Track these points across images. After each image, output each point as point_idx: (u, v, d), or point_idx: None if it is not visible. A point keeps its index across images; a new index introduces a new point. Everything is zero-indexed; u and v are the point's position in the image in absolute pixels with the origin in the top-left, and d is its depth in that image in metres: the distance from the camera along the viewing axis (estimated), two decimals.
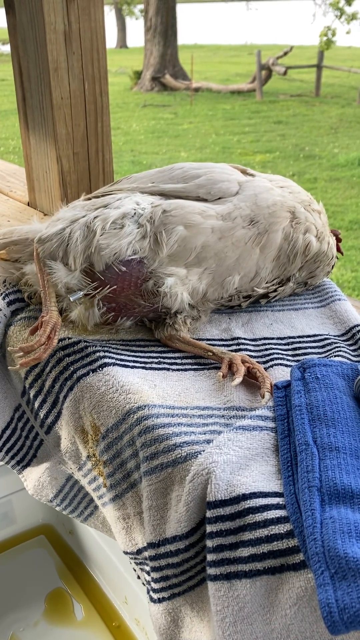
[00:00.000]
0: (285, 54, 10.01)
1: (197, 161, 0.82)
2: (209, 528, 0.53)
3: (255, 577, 0.50)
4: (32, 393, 0.75)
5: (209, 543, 0.53)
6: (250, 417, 0.58)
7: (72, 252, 0.70)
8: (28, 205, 1.20)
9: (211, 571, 0.53)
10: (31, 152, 1.13)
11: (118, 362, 0.68)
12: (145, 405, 0.61)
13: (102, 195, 0.77)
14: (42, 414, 0.75)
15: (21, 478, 0.89)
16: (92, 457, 0.71)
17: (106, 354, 0.69)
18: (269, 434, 0.57)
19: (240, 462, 0.54)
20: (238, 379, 0.62)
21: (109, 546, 1.01)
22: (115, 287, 0.70)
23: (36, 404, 0.75)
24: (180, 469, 0.57)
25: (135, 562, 0.72)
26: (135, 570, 0.77)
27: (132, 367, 0.68)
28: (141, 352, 0.71)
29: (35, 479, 0.87)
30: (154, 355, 0.71)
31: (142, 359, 0.70)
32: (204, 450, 0.56)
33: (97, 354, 0.69)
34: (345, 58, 13.79)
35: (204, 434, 0.58)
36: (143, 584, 0.76)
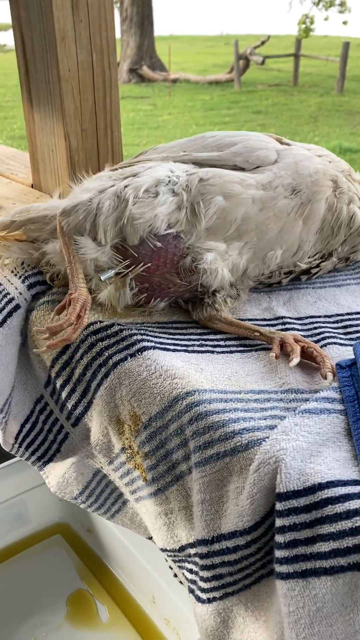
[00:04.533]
0: (263, 43, 9.97)
1: None
2: (279, 522, 0.48)
3: (337, 573, 0.46)
4: (58, 383, 0.69)
5: (280, 538, 0.48)
6: (316, 400, 0.53)
7: (102, 224, 0.64)
8: (32, 187, 1.13)
9: (282, 569, 0.48)
10: (35, 129, 1.06)
11: (158, 345, 0.62)
12: (195, 391, 0.56)
13: (130, 166, 0.71)
14: (69, 405, 0.70)
15: (42, 475, 0.84)
16: (128, 449, 0.66)
17: (144, 337, 0.63)
18: (339, 417, 0.52)
19: (311, 448, 0.49)
20: (296, 359, 0.57)
21: (132, 543, 0.96)
22: (149, 264, 0.65)
23: (63, 394, 0.69)
24: (241, 458, 0.52)
25: (174, 560, 0.67)
26: (171, 568, 0.72)
27: (174, 350, 0.62)
28: (180, 334, 0.66)
29: (59, 475, 0.81)
30: (195, 337, 0.65)
31: (183, 342, 0.64)
32: (268, 437, 0.51)
33: (134, 337, 0.63)
34: (322, 47, 13.78)
35: (265, 419, 0.53)
36: (181, 582, 0.71)
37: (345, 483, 0.47)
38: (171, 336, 0.65)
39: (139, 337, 0.63)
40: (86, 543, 1.05)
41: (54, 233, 0.71)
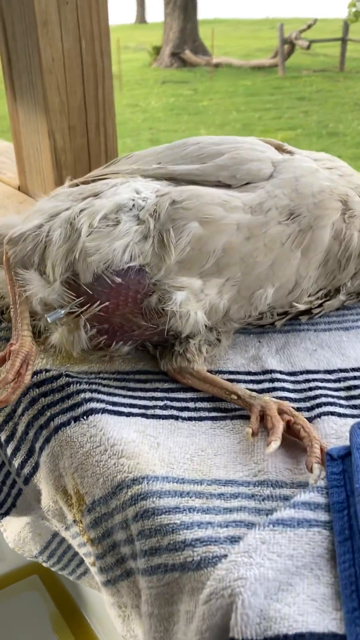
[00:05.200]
0: (309, 27, 9.64)
1: None
2: None
3: None
4: (2, 436, 0.58)
5: None
6: (294, 506, 0.40)
7: (51, 257, 0.52)
8: (19, 189, 1.02)
9: None
10: (20, 126, 0.95)
11: (109, 406, 0.50)
12: (143, 478, 0.44)
13: (93, 180, 0.59)
14: (16, 463, 0.58)
15: (0, 527, 0.73)
16: (79, 523, 0.54)
17: (94, 395, 0.51)
18: (322, 533, 0.39)
19: (279, 578, 0.37)
20: (274, 444, 0.44)
21: None
22: (107, 303, 0.53)
23: (8, 451, 0.58)
24: (192, 578, 0.40)
25: None
26: None
27: (128, 414, 0.50)
28: (141, 389, 0.53)
29: (16, 532, 0.70)
30: (159, 395, 0.53)
31: (142, 402, 0.52)
32: (226, 556, 0.38)
33: (82, 395, 0.51)
34: None
35: (226, 526, 0.41)
36: None
37: (320, 638, 0.34)
38: (130, 392, 0.53)
39: (88, 395, 0.51)
40: (64, 587, 0.95)
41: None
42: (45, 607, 0.94)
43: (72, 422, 0.50)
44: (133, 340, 0.56)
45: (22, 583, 0.97)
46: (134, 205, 0.52)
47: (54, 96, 0.86)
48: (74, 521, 0.55)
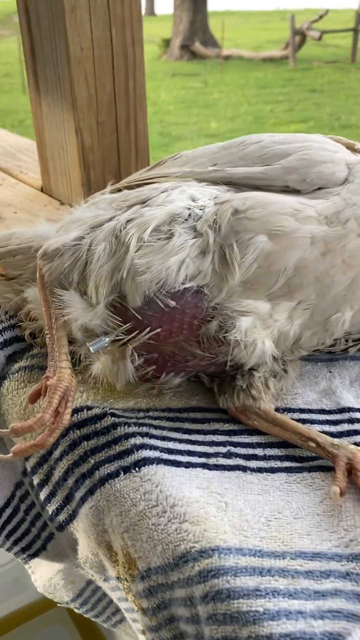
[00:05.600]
0: (321, 17, 9.49)
1: (229, 132, 0.56)
2: None
3: None
4: (35, 480, 0.51)
5: None
6: None
7: (93, 276, 0.45)
8: (41, 190, 0.95)
9: None
10: (44, 122, 0.87)
11: (165, 455, 0.43)
12: (214, 550, 0.36)
13: (138, 185, 0.52)
14: (50, 509, 0.51)
15: (28, 570, 0.66)
16: (124, 582, 0.47)
17: (145, 440, 0.44)
18: None
19: None
20: None
21: None
22: (159, 330, 0.45)
23: (42, 495, 0.51)
24: None
25: None
26: None
27: (187, 465, 0.43)
28: (198, 432, 0.46)
29: (46, 578, 0.63)
30: (220, 438, 0.45)
31: (202, 447, 0.44)
32: None
33: (132, 440, 0.43)
34: None
35: (322, 618, 0.33)
36: None
37: None
38: (186, 436, 0.45)
39: (139, 440, 0.43)
40: (94, 623, 0.88)
41: None
42: None
43: (122, 473, 0.42)
44: (186, 371, 0.48)
45: (47, 616, 0.90)
46: (190, 215, 0.45)
47: (82, 90, 0.78)
48: (118, 578, 0.48)
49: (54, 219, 0.61)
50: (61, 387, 0.44)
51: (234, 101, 6.98)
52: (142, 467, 0.42)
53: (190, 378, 0.50)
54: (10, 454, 0.44)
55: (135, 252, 0.43)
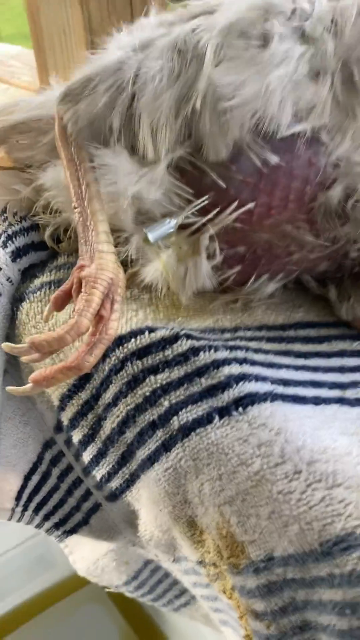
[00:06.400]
0: None
1: None
2: None
3: None
4: (75, 436, 0.37)
5: None
6: None
7: (147, 116, 0.29)
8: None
9: None
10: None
11: (279, 387, 0.28)
12: None
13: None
14: (98, 475, 0.37)
15: (64, 549, 0.53)
16: (210, 567, 0.33)
17: (245, 367, 0.29)
18: None
19: None
20: None
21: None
22: (252, 205, 0.30)
23: (85, 456, 0.37)
24: None
25: None
26: None
27: (316, 400, 0.28)
28: (317, 354, 0.31)
29: (91, 560, 0.50)
30: (351, 361, 0.31)
31: (329, 374, 0.30)
32: None
33: (226, 369, 0.29)
34: None
35: None
36: None
37: None
38: (301, 361, 0.30)
39: (236, 368, 0.29)
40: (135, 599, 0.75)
41: (56, 151, 0.36)
42: (113, 623, 0.75)
43: (216, 417, 0.28)
44: (286, 271, 0.33)
45: (80, 594, 0.78)
46: (294, 10, 0.29)
47: None
48: (201, 562, 0.34)
49: None
50: (103, 278, 0.29)
51: None
52: (249, 407, 0.27)
53: (287, 284, 0.35)
54: (29, 385, 0.29)
55: (215, 66, 0.28)
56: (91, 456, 0.36)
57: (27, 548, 0.76)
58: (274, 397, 0.27)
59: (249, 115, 0.28)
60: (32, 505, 0.48)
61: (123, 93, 0.30)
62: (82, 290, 0.29)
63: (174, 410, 0.29)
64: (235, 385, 0.28)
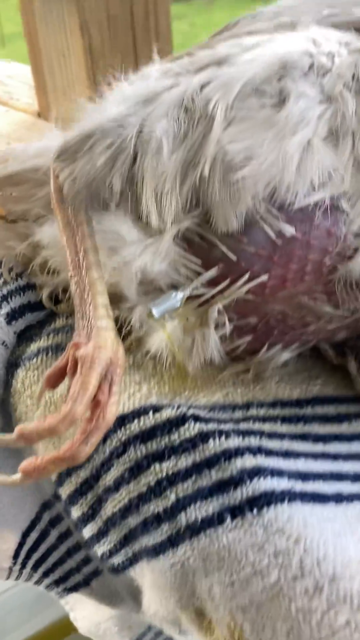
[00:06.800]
0: None
1: None
2: None
3: None
4: (75, 512, 0.34)
5: None
6: None
7: (150, 179, 0.27)
8: (39, 116, 0.76)
9: None
10: (36, 22, 0.67)
11: (297, 482, 0.26)
12: None
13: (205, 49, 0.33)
14: (99, 551, 0.35)
15: (64, 605, 0.50)
16: None
17: (259, 459, 0.26)
18: None
19: None
20: None
21: None
22: (265, 278, 0.28)
23: (86, 533, 0.34)
24: None
25: None
26: None
27: (337, 498, 0.26)
28: (337, 437, 0.29)
29: (92, 622, 0.47)
30: None
31: (351, 463, 0.27)
32: None
33: (238, 461, 0.26)
34: None
35: None
36: None
37: None
38: (319, 447, 0.28)
39: (250, 459, 0.26)
40: None
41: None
42: None
43: (228, 517, 0.25)
44: (301, 341, 0.31)
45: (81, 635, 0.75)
46: (312, 65, 0.26)
47: None
48: None
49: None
50: (101, 358, 0.27)
51: None
52: (265, 509, 0.25)
53: (303, 352, 0.33)
54: (18, 476, 0.27)
55: (224, 128, 0.25)
56: (91, 534, 0.34)
57: (26, 586, 0.73)
58: (291, 496, 0.25)
59: (262, 185, 0.25)
60: (31, 562, 0.46)
61: (124, 152, 0.28)
62: (78, 371, 0.27)
63: (181, 505, 0.27)
64: (249, 482, 0.25)
